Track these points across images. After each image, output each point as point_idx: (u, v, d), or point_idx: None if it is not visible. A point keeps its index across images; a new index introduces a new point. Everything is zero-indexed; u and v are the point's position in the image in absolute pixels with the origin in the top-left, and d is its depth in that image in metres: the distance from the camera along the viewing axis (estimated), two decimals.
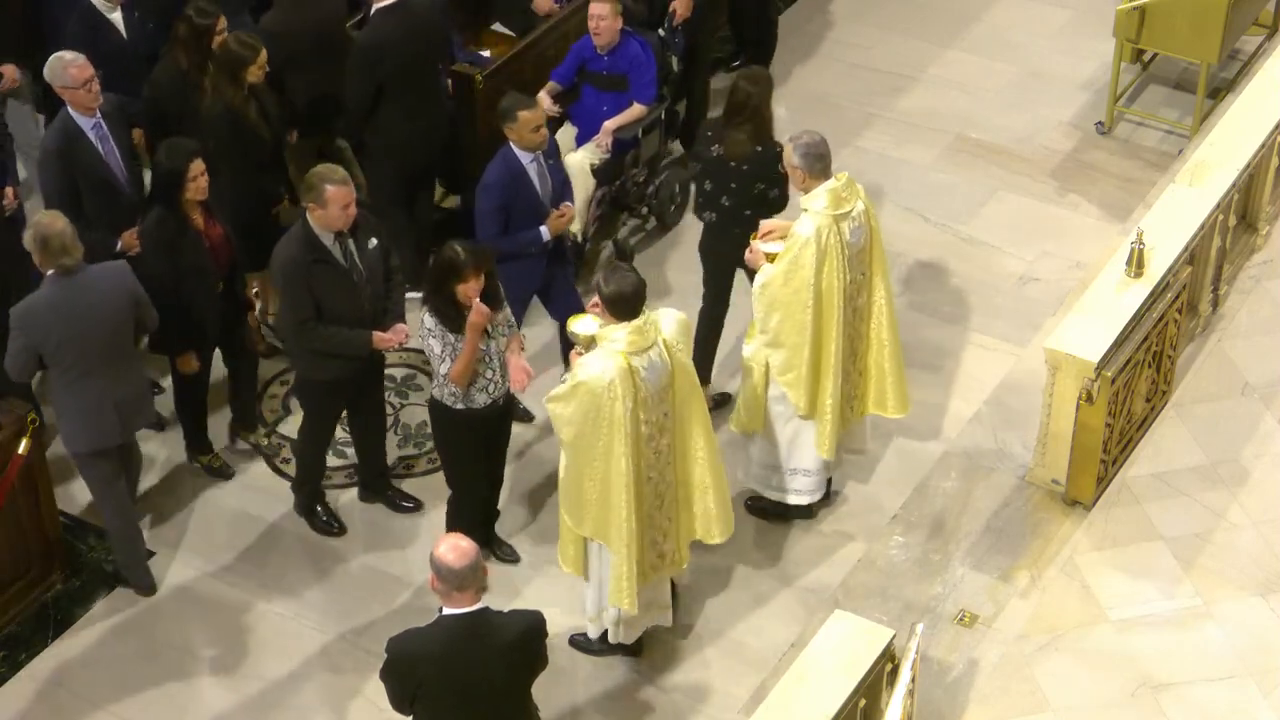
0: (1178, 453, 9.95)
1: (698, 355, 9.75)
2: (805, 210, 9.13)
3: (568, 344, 10.64)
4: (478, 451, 9.22)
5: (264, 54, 9.96)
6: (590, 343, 8.58)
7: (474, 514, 9.35)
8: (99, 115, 9.68)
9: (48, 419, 9.70)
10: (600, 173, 10.94)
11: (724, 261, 10.03)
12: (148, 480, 10.05)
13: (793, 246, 9.11)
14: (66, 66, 9.58)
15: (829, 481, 9.82)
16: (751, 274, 9.39)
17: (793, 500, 9.73)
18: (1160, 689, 8.79)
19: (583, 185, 10.79)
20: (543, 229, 9.77)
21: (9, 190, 10.01)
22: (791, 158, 9.18)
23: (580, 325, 8.67)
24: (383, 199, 10.70)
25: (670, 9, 11.40)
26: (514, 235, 9.73)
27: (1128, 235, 9.91)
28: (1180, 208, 10.14)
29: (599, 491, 8.52)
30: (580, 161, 10.84)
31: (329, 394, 9.46)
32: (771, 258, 9.21)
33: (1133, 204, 11.62)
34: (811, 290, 9.09)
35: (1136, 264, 9.67)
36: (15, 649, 9.24)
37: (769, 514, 9.82)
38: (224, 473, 10.16)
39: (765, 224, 9.47)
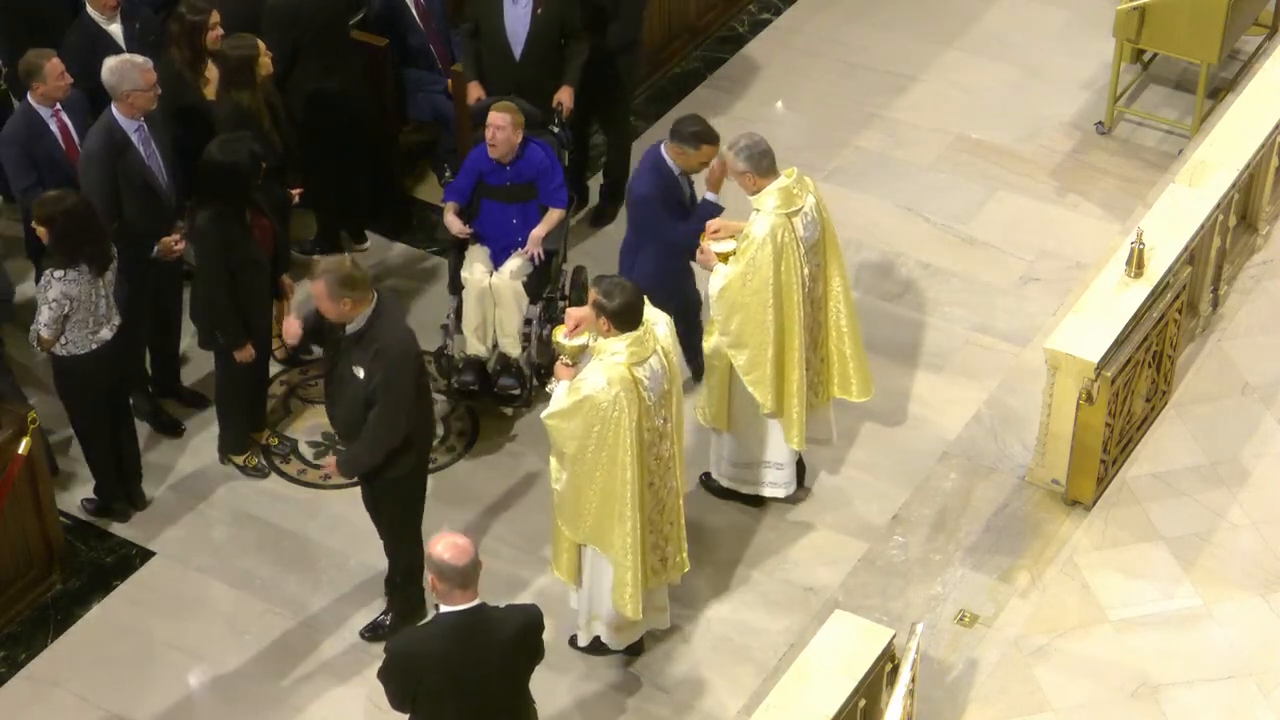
0: (1178, 453, 9.95)
1: None
2: (758, 211, 9.10)
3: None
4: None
5: (263, 44, 9.99)
6: (577, 353, 8.46)
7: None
8: (141, 119, 9.61)
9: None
10: (527, 289, 10.17)
11: None
12: (151, 482, 10.03)
13: (748, 249, 9.07)
14: (138, 69, 9.49)
15: (800, 475, 9.81)
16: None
17: (768, 493, 9.74)
18: (1160, 689, 8.79)
19: (519, 307, 10.13)
20: (709, 195, 9.54)
21: None
22: (736, 164, 9.10)
23: (565, 337, 8.51)
24: (303, 158, 10.71)
25: (555, 102, 10.76)
26: (697, 215, 9.50)
27: (1128, 235, 9.91)
28: (1180, 208, 10.14)
29: (599, 501, 8.47)
30: (512, 284, 10.08)
31: (412, 479, 8.98)
32: (724, 257, 9.17)
33: (1133, 204, 11.62)
34: (771, 289, 9.08)
35: (1136, 264, 9.67)
36: (15, 649, 9.24)
37: (716, 492, 9.81)
38: (260, 472, 10.11)
39: (712, 223, 9.39)
